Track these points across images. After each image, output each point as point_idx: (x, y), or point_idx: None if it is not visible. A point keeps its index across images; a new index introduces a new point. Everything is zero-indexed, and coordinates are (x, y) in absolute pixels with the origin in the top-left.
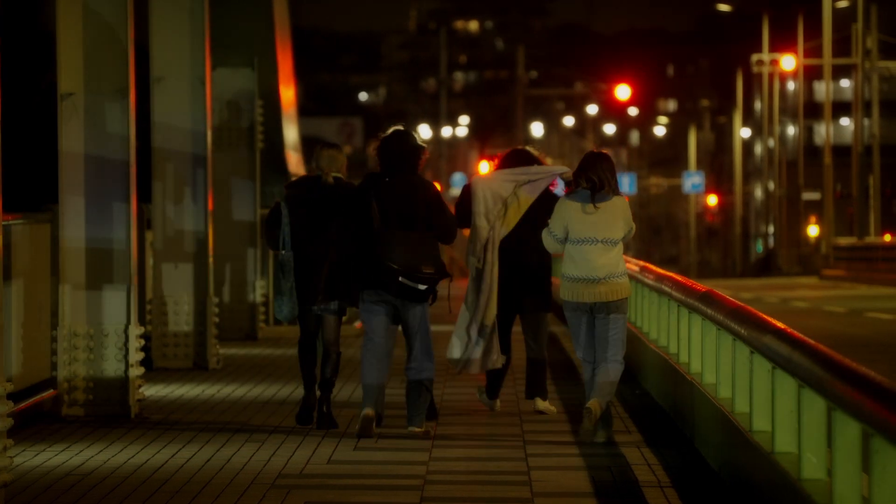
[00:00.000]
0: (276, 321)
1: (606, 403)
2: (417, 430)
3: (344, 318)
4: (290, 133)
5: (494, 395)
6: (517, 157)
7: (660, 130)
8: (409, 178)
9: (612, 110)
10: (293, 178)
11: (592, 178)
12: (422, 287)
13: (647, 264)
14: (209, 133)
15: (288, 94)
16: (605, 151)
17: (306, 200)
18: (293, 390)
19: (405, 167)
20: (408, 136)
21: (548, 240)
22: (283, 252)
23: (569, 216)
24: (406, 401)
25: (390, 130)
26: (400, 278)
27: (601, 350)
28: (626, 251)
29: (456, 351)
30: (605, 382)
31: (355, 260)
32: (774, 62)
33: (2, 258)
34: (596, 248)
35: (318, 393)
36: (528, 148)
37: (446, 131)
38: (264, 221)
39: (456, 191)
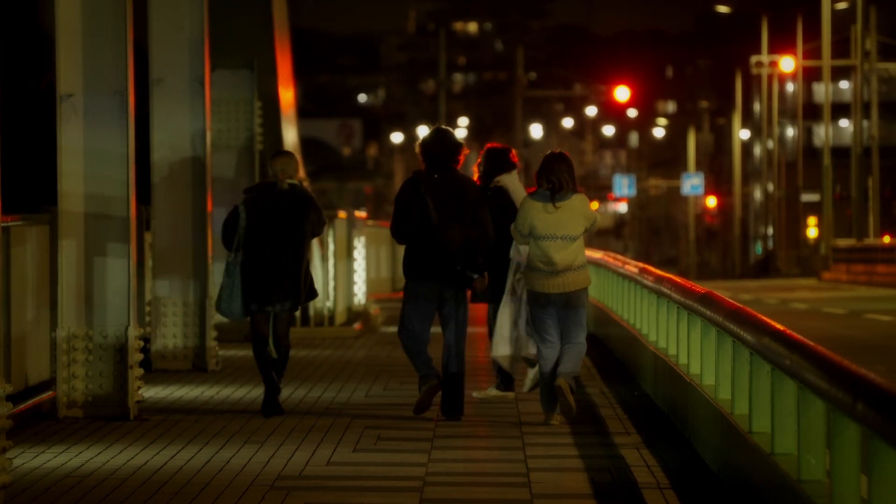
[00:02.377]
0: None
1: (573, 378)
2: (454, 420)
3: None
4: (290, 134)
5: (510, 385)
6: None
7: (659, 132)
8: (454, 174)
9: (611, 112)
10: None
11: (552, 180)
12: (473, 275)
13: (647, 266)
14: (208, 134)
15: (287, 95)
16: (564, 153)
17: (262, 204)
18: (292, 392)
19: (448, 164)
20: (449, 135)
21: (515, 235)
22: (233, 255)
23: (532, 215)
24: (442, 393)
25: (433, 130)
26: (458, 266)
27: (566, 335)
28: (624, 252)
29: (503, 348)
30: (570, 360)
31: (407, 249)
32: (773, 63)
33: (1, 259)
34: (556, 244)
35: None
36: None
37: None
38: (223, 224)
39: None
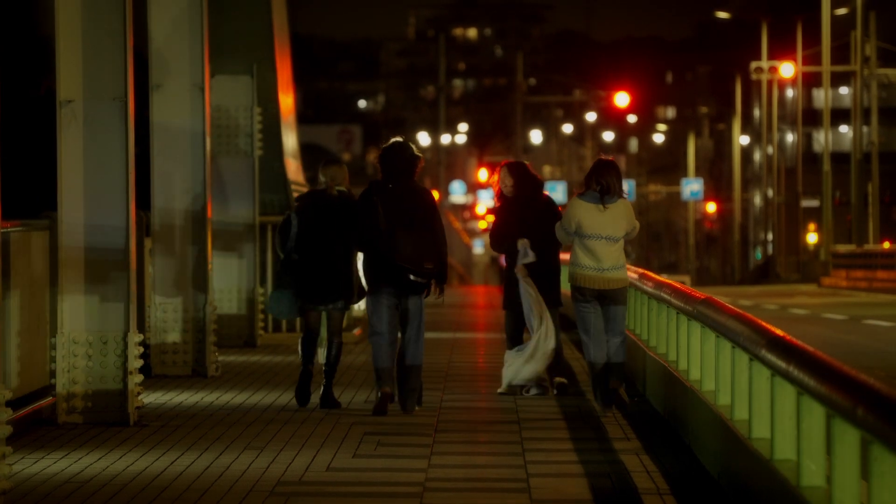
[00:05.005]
0: (275, 323)
1: (622, 370)
2: (409, 412)
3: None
4: (289, 140)
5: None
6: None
7: (658, 137)
8: (409, 184)
9: (611, 117)
10: (305, 190)
11: (602, 182)
12: (422, 280)
13: (646, 271)
14: (208, 140)
15: (287, 101)
16: (611, 159)
17: (314, 211)
18: (292, 397)
19: (404, 174)
20: (406, 147)
21: (560, 233)
22: (294, 256)
23: (581, 214)
24: (398, 385)
25: (390, 141)
26: (405, 272)
27: (610, 330)
28: (626, 258)
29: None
30: (618, 363)
31: (364, 257)
32: (773, 69)
33: (1, 265)
34: (601, 243)
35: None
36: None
37: (445, 138)
38: (276, 230)
39: (456, 198)
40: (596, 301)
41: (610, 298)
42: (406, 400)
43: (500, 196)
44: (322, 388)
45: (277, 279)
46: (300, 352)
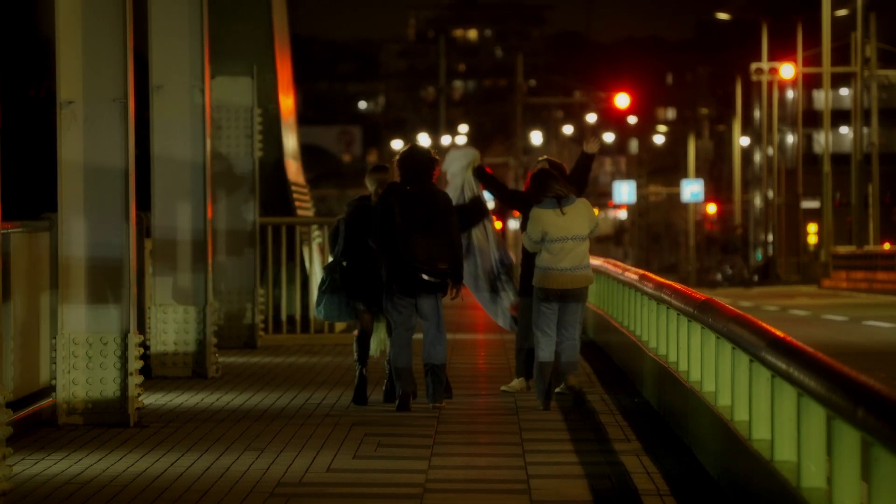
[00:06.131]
0: (275, 324)
1: (574, 370)
2: (438, 405)
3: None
4: (289, 141)
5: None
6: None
7: (659, 139)
8: (426, 186)
9: (611, 119)
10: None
11: (552, 194)
12: (435, 280)
13: (647, 272)
14: (208, 141)
15: (287, 102)
16: (544, 167)
17: (359, 218)
18: (293, 398)
19: (422, 177)
20: (423, 150)
21: (528, 243)
22: (343, 261)
23: (544, 221)
24: (425, 381)
25: (408, 146)
26: (419, 273)
27: (564, 330)
28: (624, 259)
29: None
30: (570, 362)
31: (381, 258)
32: (773, 70)
33: (1, 266)
34: (567, 245)
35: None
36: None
37: (445, 139)
38: (329, 239)
39: None
40: (557, 301)
41: (572, 297)
42: (435, 394)
43: None
44: (356, 384)
45: (327, 284)
46: (355, 353)
